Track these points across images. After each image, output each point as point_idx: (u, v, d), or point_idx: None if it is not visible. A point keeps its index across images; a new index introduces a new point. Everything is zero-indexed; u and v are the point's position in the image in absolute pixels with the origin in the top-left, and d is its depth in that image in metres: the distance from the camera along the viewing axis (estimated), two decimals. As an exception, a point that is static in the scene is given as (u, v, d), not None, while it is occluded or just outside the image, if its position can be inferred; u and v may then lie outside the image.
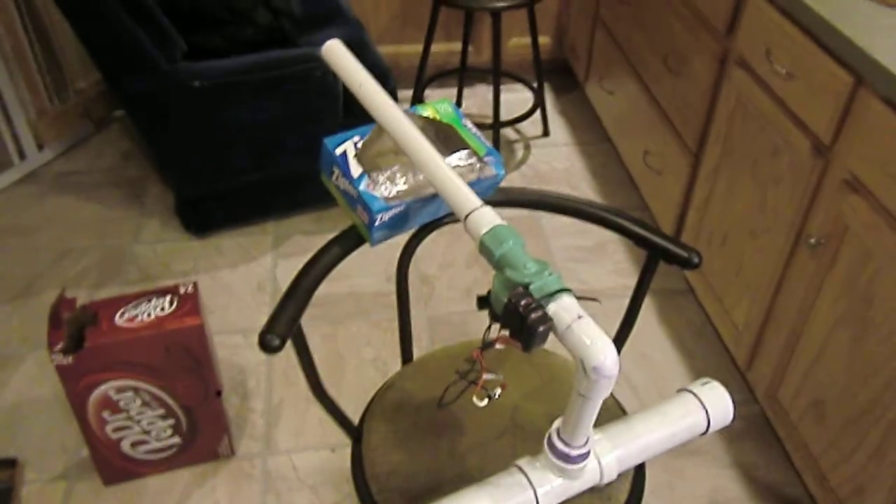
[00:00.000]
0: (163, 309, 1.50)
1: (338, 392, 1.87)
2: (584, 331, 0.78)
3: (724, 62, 1.79)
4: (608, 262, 2.27)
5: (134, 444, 1.61)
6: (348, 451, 1.73)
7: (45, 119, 2.59)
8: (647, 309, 2.12)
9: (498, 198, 1.06)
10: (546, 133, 2.83)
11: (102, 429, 1.56)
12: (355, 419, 1.15)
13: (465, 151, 1.02)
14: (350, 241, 0.99)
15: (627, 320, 1.11)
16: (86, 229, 2.37)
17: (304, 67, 2.01)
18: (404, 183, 0.97)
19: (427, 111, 1.05)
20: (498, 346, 0.84)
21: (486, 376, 0.86)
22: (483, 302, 0.91)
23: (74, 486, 1.66)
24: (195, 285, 1.56)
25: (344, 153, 0.97)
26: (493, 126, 2.52)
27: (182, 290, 1.54)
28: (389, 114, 0.97)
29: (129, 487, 1.66)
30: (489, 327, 0.90)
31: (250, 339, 2.01)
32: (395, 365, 1.95)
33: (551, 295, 0.80)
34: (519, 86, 3.05)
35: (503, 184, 1.07)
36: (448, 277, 2.22)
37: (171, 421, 1.60)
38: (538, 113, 2.89)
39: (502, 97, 2.98)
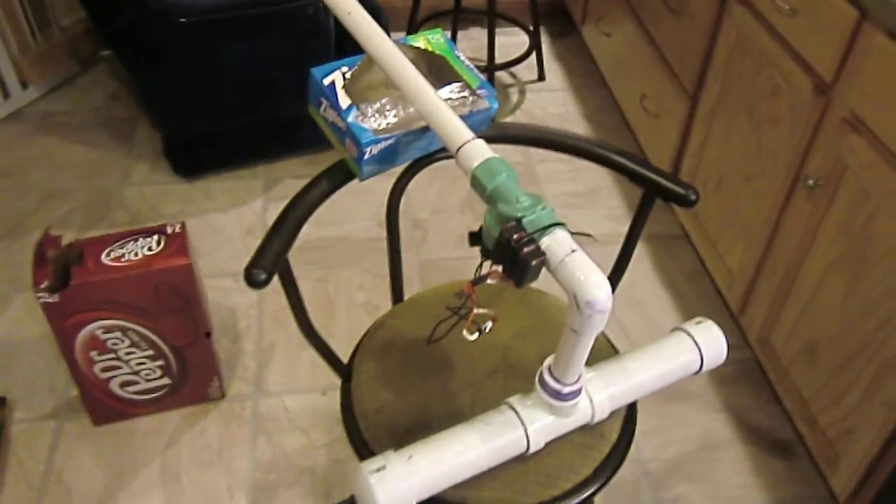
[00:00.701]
0: (150, 249, 1.48)
1: (328, 335, 1.86)
2: (577, 265, 0.76)
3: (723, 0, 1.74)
4: (602, 208, 2.25)
5: (123, 385, 1.60)
6: (339, 393, 1.73)
7: (28, 57, 2.52)
8: (641, 254, 2.10)
9: (491, 133, 1.03)
10: (541, 77, 2.77)
11: (91, 368, 1.55)
12: (346, 360, 1.14)
13: (458, 84, 0.99)
14: (339, 175, 0.97)
15: (622, 259, 1.09)
16: (73, 170, 2.33)
17: (295, 5, 1.95)
18: (394, 115, 0.93)
19: (419, 42, 1.02)
20: (490, 280, 0.82)
21: (476, 310, 0.84)
22: (475, 237, 0.89)
23: (64, 425, 1.66)
24: (183, 225, 1.53)
25: (332, 83, 0.94)
26: (488, 69, 2.47)
27: (170, 230, 1.52)
28: (379, 44, 0.94)
29: (119, 428, 1.66)
30: (481, 264, 0.88)
31: (241, 283, 1.99)
32: (387, 308, 1.93)
33: (544, 229, 0.78)
34: (515, 29, 2.98)
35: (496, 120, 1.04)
36: (441, 223, 2.19)
37: (160, 362, 1.59)
38: (533, 57, 2.83)
39: (497, 41, 2.91)
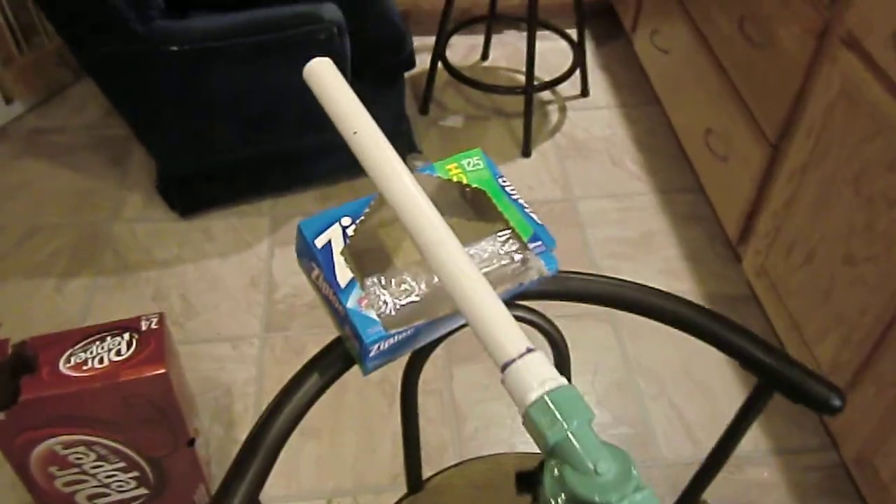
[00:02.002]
0: (119, 353, 1.21)
1: (336, 424, 1.60)
2: None
3: (823, 38, 1.42)
4: (656, 259, 1.95)
5: (91, 497, 1.36)
6: (347, 500, 1.48)
7: (13, 68, 2.26)
8: (702, 320, 1.81)
9: (547, 288, 0.75)
10: (584, 93, 2.46)
11: (51, 483, 1.30)
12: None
13: (504, 234, 0.70)
14: (334, 366, 0.69)
15: (721, 452, 0.81)
16: (59, 202, 2.08)
17: (303, 31, 1.66)
18: (415, 293, 0.65)
19: (450, 169, 0.73)
20: None
21: None
22: (525, 483, 0.61)
23: (28, 535, 1.42)
24: (161, 319, 1.27)
25: (327, 246, 0.66)
26: (526, 90, 2.16)
27: (144, 326, 1.25)
28: (393, 180, 0.65)
29: (92, 541, 1.42)
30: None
31: (239, 350, 1.73)
32: (407, 388, 1.67)
33: (640, 532, 0.50)
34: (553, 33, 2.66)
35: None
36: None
37: (134, 473, 1.34)
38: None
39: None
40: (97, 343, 1.22)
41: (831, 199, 1.41)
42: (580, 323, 1.79)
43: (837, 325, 1.41)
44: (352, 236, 0.66)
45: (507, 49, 2.64)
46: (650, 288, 0.77)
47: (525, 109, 2.18)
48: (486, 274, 0.69)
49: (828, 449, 1.56)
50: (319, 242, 0.66)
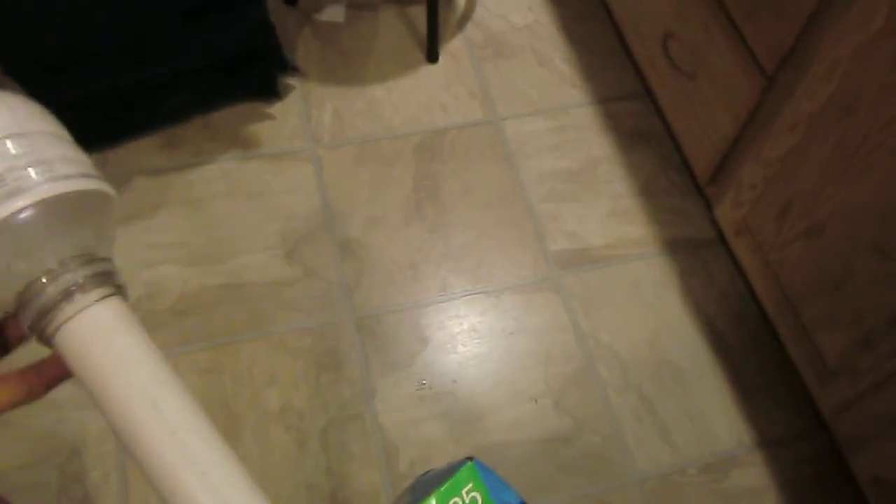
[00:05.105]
0: None
1: (233, 478, 1.24)
2: None
3: (856, -59, 1.02)
4: (604, 198, 1.60)
5: None
6: None
7: None
8: (666, 279, 1.50)
9: None
10: (496, -36, 1.96)
11: None
12: None
13: None
14: None
15: None
16: None
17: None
18: None
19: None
20: None
21: None
22: None
23: None
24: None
25: None
26: (428, -23, 1.66)
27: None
28: None
29: None
30: None
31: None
32: (314, 420, 1.30)
33: None
34: None
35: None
36: (381, 242, 1.51)
37: None
38: (482, -72, 1.99)
39: None
40: None
41: (856, 168, 1.07)
42: (522, 296, 1.45)
43: (855, 323, 1.12)
44: None
45: None
46: None
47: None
48: None
49: (814, 433, 1.34)
50: None
